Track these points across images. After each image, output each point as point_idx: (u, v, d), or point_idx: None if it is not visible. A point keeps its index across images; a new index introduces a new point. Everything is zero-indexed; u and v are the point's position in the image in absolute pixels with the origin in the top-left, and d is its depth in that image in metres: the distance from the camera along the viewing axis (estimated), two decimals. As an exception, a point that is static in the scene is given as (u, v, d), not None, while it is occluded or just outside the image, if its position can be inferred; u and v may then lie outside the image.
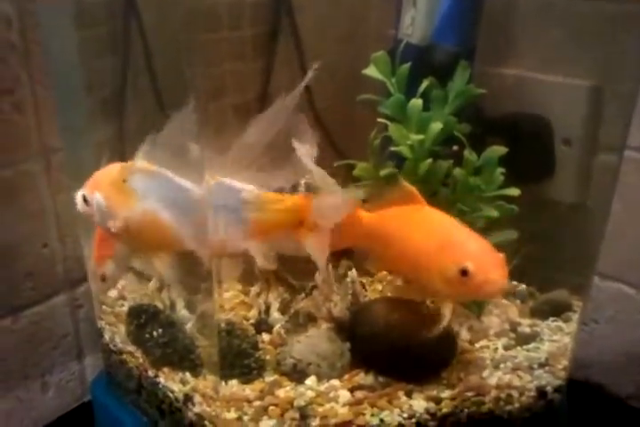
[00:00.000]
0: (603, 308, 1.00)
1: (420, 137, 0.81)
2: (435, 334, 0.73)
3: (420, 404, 0.74)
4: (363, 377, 0.78)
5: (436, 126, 0.80)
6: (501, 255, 0.70)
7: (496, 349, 0.84)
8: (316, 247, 0.72)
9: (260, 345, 0.81)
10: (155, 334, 0.83)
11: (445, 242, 0.72)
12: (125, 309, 0.90)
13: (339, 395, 0.75)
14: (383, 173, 0.83)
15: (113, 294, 0.94)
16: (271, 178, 0.72)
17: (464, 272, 0.68)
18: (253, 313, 0.90)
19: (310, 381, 0.77)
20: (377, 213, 0.78)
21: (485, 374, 0.79)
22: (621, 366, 1.00)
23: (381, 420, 0.73)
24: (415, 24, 0.84)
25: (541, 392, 0.79)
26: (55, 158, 0.95)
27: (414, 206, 0.75)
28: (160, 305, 0.87)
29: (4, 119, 0.88)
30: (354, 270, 0.85)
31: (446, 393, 0.76)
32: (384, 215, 0.77)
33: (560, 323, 0.89)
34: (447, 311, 0.73)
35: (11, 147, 0.90)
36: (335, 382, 0.77)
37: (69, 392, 1.06)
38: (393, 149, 0.82)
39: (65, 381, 1.05)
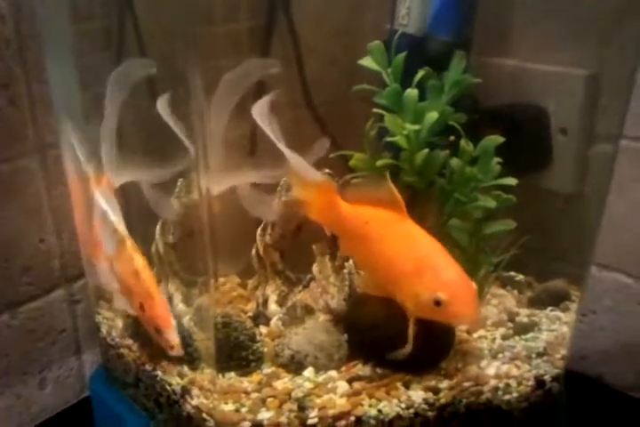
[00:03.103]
0: (601, 298, 1.00)
1: (416, 127, 0.80)
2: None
3: (418, 394, 0.74)
4: (361, 368, 0.78)
5: (432, 116, 0.80)
6: (475, 286, 0.70)
7: (494, 339, 0.83)
8: None
9: (258, 337, 0.81)
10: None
11: (422, 266, 0.71)
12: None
13: (337, 386, 0.75)
14: (379, 163, 0.83)
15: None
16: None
17: (437, 302, 0.68)
18: (251, 306, 0.90)
19: (308, 372, 0.77)
20: (355, 207, 0.77)
21: (483, 364, 0.79)
22: (620, 357, 1.00)
23: (379, 410, 0.72)
24: (411, 14, 0.84)
25: (540, 382, 0.79)
26: (51, 153, 0.95)
27: (396, 215, 0.74)
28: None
29: (-1, 114, 0.88)
30: (351, 262, 0.84)
31: (444, 383, 0.75)
32: (362, 212, 0.76)
33: (558, 312, 0.89)
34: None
35: (6, 142, 0.90)
36: (333, 373, 0.77)
37: (68, 388, 1.05)
38: (389, 139, 0.82)
39: (63, 376, 1.04)
